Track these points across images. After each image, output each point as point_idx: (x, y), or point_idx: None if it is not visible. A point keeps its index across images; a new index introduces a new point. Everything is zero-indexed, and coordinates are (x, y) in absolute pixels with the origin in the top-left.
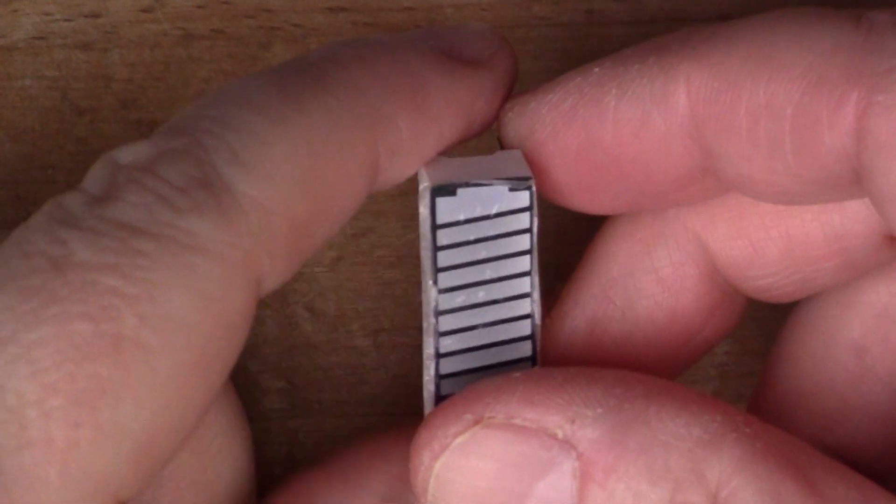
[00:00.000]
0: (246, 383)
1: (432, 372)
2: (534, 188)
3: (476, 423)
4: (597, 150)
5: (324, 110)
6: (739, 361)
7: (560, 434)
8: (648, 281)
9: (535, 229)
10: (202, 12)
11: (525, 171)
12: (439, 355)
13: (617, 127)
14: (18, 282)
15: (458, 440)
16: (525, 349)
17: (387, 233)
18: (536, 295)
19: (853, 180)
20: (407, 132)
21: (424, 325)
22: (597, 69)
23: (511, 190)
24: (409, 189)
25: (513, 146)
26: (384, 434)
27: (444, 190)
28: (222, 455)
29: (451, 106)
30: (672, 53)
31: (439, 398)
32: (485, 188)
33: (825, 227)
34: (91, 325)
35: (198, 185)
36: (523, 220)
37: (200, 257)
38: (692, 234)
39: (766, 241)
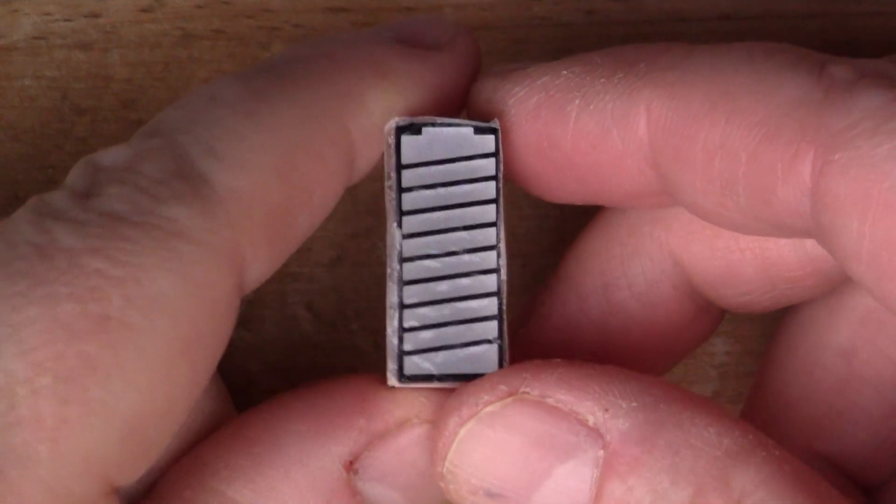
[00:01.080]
0: (246, 383)
1: (395, 323)
2: (499, 133)
3: (510, 395)
4: (556, 152)
5: (291, 103)
6: (739, 361)
7: (591, 420)
8: (623, 296)
9: (500, 176)
10: (202, 12)
11: (492, 123)
12: (403, 305)
13: (576, 137)
14: (4, 267)
15: (488, 409)
16: (491, 307)
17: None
18: (502, 247)
19: (807, 231)
20: (377, 111)
21: (388, 270)
22: (565, 72)
23: (476, 132)
24: None
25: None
26: (365, 383)
27: (410, 128)
28: (194, 411)
29: (416, 85)
30: (638, 75)
31: (402, 353)
32: (450, 129)
33: (798, 251)
34: (78, 305)
35: (176, 177)
36: (489, 167)
37: (183, 243)
38: (667, 252)
39: (741, 261)
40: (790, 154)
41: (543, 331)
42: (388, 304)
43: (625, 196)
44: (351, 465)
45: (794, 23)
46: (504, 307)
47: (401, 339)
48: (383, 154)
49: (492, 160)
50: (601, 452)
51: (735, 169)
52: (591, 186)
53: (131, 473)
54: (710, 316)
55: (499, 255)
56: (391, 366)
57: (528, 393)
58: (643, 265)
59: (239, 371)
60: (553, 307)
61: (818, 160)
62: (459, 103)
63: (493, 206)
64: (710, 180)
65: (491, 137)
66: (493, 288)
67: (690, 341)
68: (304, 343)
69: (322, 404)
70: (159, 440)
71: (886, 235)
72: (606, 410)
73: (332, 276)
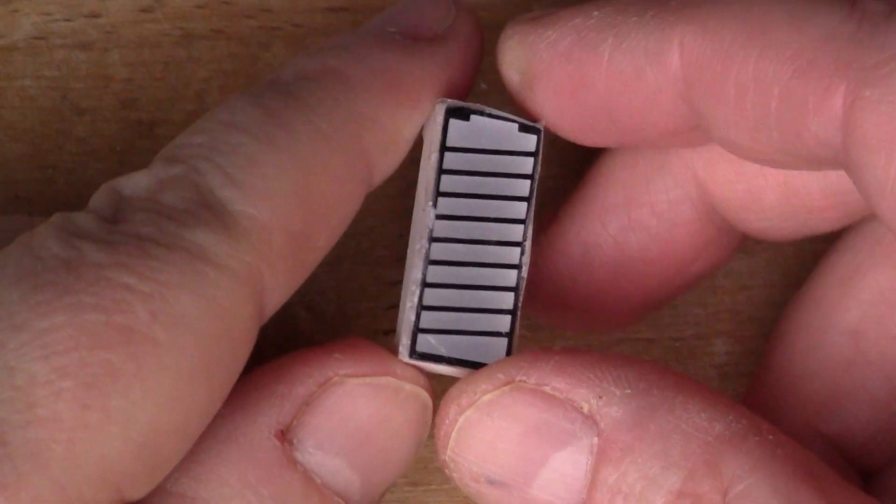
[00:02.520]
0: None
1: (416, 299)
2: (542, 134)
3: (507, 383)
4: (589, 93)
5: (307, 125)
6: (739, 361)
7: (585, 408)
8: (644, 213)
9: (536, 177)
10: (202, 12)
11: (537, 124)
12: (426, 283)
13: (610, 76)
14: (31, 278)
15: (486, 397)
16: (507, 301)
17: (387, 233)
18: (527, 246)
19: (837, 163)
20: (391, 127)
21: (415, 247)
22: (596, 13)
23: (521, 130)
24: (409, 189)
25: (509, 74)
26: (289, 356)
27: (459, 112)
28: None
29: (425, 87)
30: (670, 12)
31: (417, 329)
32: (496, 121)
33: (822, 182)
34: (104, 315)
35: (199, 206)
36: (527, 165)
37: (208, 266)
38: (691, 173)
39: (764, 187)
40: (822, 88)
41: (563, 239)
42: (408, 280)
43: (659, 134)
44: (284, 436)
45: None
46: (520, 303)
47: (418, 316)
48: (422, 130)
49: (530, 159)
50: (595, 440)
51: (767, 103)
52: (625, 126)
53: (142, 488)
54: (729, 239)
55: (522, 253)
56: (404, 340)
57: (524, 381)
58: (666, 184)
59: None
60: (574, 217)
61: (849, 95)
62: (470, 85)
63: (524, 204)
64: (742, 114)
65: (533, 137)
66: (513, 283)
67: (708, 263)
68: (304, 343)
69: (243, 386)
70: (172, 457)
71: None
72: (600, 398)
73: (332, 276)
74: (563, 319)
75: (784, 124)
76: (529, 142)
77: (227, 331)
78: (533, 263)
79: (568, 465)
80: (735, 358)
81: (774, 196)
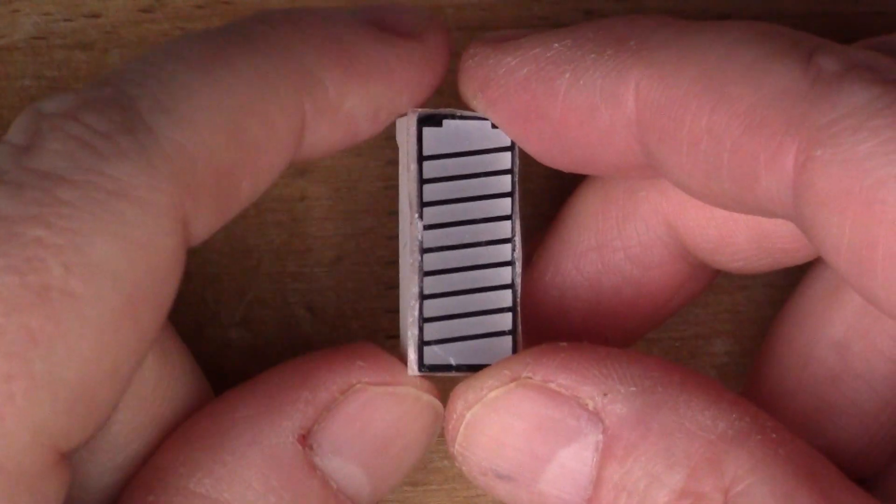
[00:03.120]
0: None
1: (416, 313)
2: None
3: (513, 380)
4: (544, 124)
5: (249, 63)
6: (739, 361)
7: (591, 405)
8: (617, 258)
9: (516, 170)
10: (202, 12)
11: None
12: (423, 296)
13: (565, 110)
14: None
15: (492, 394)
16: (506, 299)
17: (387, 233)
18: (518, 240)
19: (789, 217)
20: (333, 91)
21: (409, 261)
22: (556, 44)
23: (494, 126)
24: None
25: (467, 95)
26: (313, 358)
27: (431, 119)
28: (173, 407)
29: (379, 70)
30: (628, 52)
31: (423, 343)
32: (469, 122)
33: (791, 225)
34: (17, 277)
35: (121, 131)
36: (505, 160)
37: (125, 203)
38: (662, 217)
39: (735, 231)
40: (774, 146)
41: (539, 285)
42: (405, 295)
43: (612, 169)
44: (305, 441)
45: (794, 23)
46: (518, 299)
47: (421, 329)
48: (399, 145)
49: (508, 154)
50: (601, 437)
51: (720, 155)
52: (579, 158)
53: (80, 438)
54: (704, 275)
55: (513, 248)
56: (411, 356)
57: (530, 378)
58: (638, 228)
59: (239, 371)
60: (549, 263)
61: (801, 154)
62: (426, 93)
63: (508, 200)
64: (695, 163)
65: None
66: (508, 280)
67: (685, 297)
68: (304, 343)
69: (266, 387)
70: (107, 403)
71: (866, 233)
72: (605, 395)
73: (332, 276)
74: None
75: (736, 177)
76: (504, 137)
77: (150, 268)
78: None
79: (574, 461)
80: (735, 358)
81: (745, 239)
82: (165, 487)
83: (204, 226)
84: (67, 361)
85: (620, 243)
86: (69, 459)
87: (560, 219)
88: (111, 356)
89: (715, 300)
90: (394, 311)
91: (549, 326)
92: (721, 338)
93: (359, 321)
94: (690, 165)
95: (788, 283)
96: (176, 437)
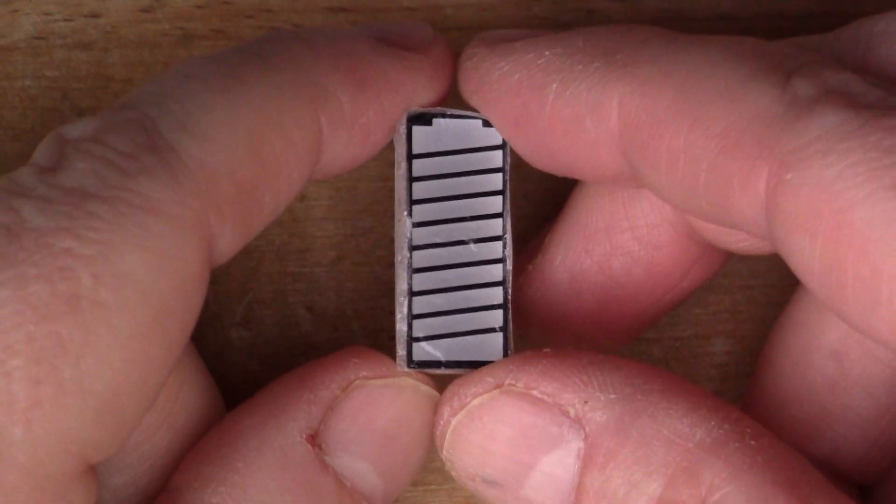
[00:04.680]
0: (246, 383)
1: (405, 310)
2: None
3: (496, 387)
4: (533, 129)
5: (264, 80)
6: (739, 361)
7: (572, 412)
8: (625, 238)
9: (507, 168)
10: (202, 12)
11: None
12: (412, 293)
13: (552, 118)
14: None
15: (476, 401)
16: (496, 296)
17: (387, 233)
18: (508, 238)
19: (764, 237)
20: (348, 105)
21: (397, 258)
22: (548, 52)
23: (485, 125)
24: None
25: (465, 94)
26: (309, 364)
27: (420, 118)
28: (192, 428)
29: (389, 83)
30: (615, 66)
31: (411, 339)
32: (460, 120)
33: None
34: (48, 285)
35: (145, 150)
36: (496, 159)
37: (152, 217)
38: None
39: None
40: (746, 168)
41: (549, 267)
42: (397, 291)
43: (598, 177)
44: (314, 441)
45: (794, 23)
46: (509, 296)
47: (410, 326)
48: (393, 143)
49: (499, 152)
50: (582, 444)
51: (697, 174)
52: (566, 164)
53: (107, 450)
54: (714, 256)
55: (504, 246)
56: (400, 352)
57: (514, 385)
58: (644, 209)
59: (239, 371)
60: (559, 246)
61: (772, 178)
62: (432, 105)
63: (499, 198)
64: (673, 180)
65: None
66: (499, 277)
67: (698, 278)
68: (304, 343)
69: (267, 397)
70: (134, 415)
71: (836, 256)
72: (586, 402)
73: (332, 276)
74: (559, 342)
75: (712, 197)
76: (495, 135)
77: (177, 281)
78: (522, 292)
79: (557, 468)
80: (735, 358)
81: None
82: None
83: (228, 244)
84: (96, 370)
85: (628, 224)
86: (95, 471)
87: (569, 203)
88: (139, 368)
89: (715, 300)
90: (393, 311)
91: (563, 310)
92: (721, 338)
93: (359, 321)
94: (669, 182)
95: (788, 283)
96: (186, 458)
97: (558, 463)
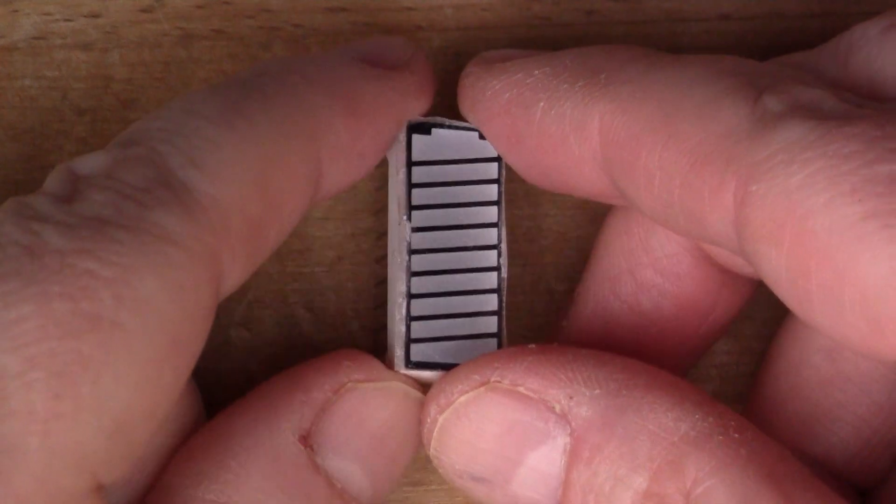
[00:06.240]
0: (246, 383)
1: (403, 311)
2: None
3: (482, 384)
4: (524, 146)
5: (267, 117)
6: (739, 361)
7: (557, 408)
8: (648, 273)
9: (502, 180)
10: (202, 12)
11: None
12: (410, 295)
13: (540, 137)
14: None
15: (463, 398)
16: (491, 302)
17: (387, 233)
18: (503, 247)
19: (737, 252)
20: (345, 135)
21: (396, 261)
22: (537, 71)
23: (481, 137)
24: None
25: (463, 111)
26: (302, 366)
27: (420, 127)
28: (173, 422)
29: (382, 107)
30: (598, 85)
31: (409, 341)
32: (457, 131)
33: None
34: (70, 303)
35: (158, 185)
36: (491, 170)
37: (171, 248)
38: None
39: None
40: (715, 182)
41: (583, 320)
42: (394, 293)
43: (587, 194)
44: (306, 441)
45: (794, 23)
46: (504, 303)
47: (408, 327)
48: (391, 151)
49: (494, 164)
50: (568, 439)
51: (671, 190)
52: (557, 181)
53: (116, 472)
54: (740, 282)
55: (499, 255)
56: (398, 352)
57: (500, 382)
58: (660, 240)
59: (239, 371)
60: (588, 296)
61: (739, 190)
62: (420, 115)
63: (494, 208)
64: (652, 197)
65: None
66: (494, 285)
67: (730, 305)
68: (304, 343)
69: (259, 397)
70: (142, 439)
71: (800, 264)
72: (571, 398)
73: (332, 276)
74: None
75: (687, 212)
76: (491, 148)
77: (190, 311)
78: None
79: (543, 463)
80: (735, 358)
81: None
82: (174, 501)
83: (235, 278)
84: (113, 389)
85: (648, 259)
86: (105, 493)
87: (593, 251)
88: (151, 392)
89: None
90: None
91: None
92: (721, 338)
93: (359, 321)
94: (648, 198)
95: None
96: (179, 455)
97: (545, 458)
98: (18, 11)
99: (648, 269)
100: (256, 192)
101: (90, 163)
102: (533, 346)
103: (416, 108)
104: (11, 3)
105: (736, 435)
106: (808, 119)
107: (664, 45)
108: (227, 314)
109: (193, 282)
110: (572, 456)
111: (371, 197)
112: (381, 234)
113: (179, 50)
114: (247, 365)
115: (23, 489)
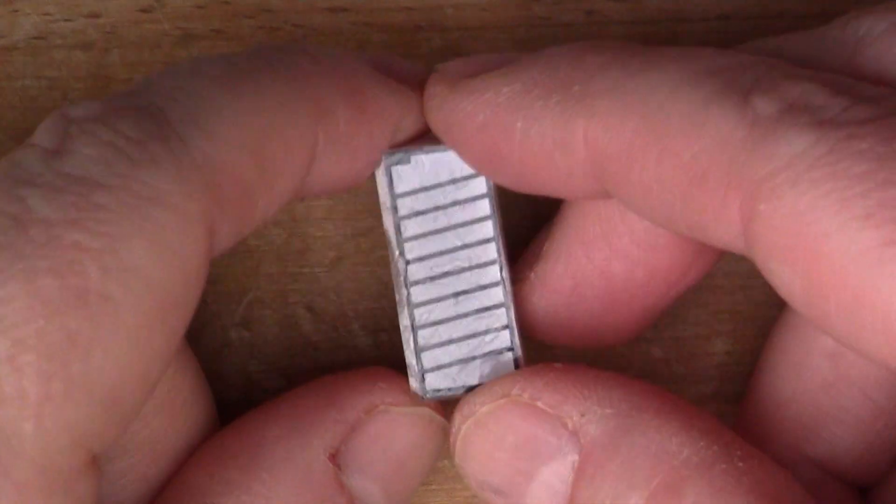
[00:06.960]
0: (246, 383)
1: (412, 345)
2: None
3: (503, 397)
4: (506, 164)
5: (273, 88)
6: (739, 361)
7: (570, 424)
8: (624, 242)
9: (492, 194)
10: (202, 12)
11: None
12: (416, 327)
13: (523, 156)
14: None
15: (484, 409)
16: (501, 318)
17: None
18: (504, 260)
19: (747, 255)
20: (343, 125)
21: (397, 297)
22: (505, 89)
23: None
24: None
25: (435, 131)
26: (335, 380)
27: (399, 158)
28: (185, 414)
29: (382, 112)
30: (573, 100)
31: (423, 372)
32: (437, 154)
33: None
34: (57, 279)
35: (153, 138)
36: (479, 186)
37: (158, 209)
38: None
39: None
40: (718, 200)
41: (551, 275)
42: (401, 327)
43: (581, 198)
44: (335, 459)
45: (794, 23)
46: (513, 316)
47: (419, 359)
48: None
49: (482, 178)
50: (577, 456)
51: (672, 203)
52: (546, 191)
53: (109, 441)
54: (712, 250)
55: (501, 268)
56: (414, 385)
57: (520, 395)
58: None
59: (239, 371)
60: (559, 253)
61: (745, 208)
62: (421, 132)
63: (489, 223)
64: (651, 207)
65: None
66: (501, 300)
67: (700, 271)
68: (304, 343)
69: (293, 408)
70: (135, 405)
71: (817, 286)
72: (583, 415)
73: (332, 276)
74: (566, 343)
75: (690, 223)
76: None
77: (180, 274)
78: (526, 300)
79: (554, 478)
80: (735, 358)
81: None
82: None
83: (225, 239)
84: (103, 364)
85: (625, 228)
86: (99, 462)
87: (564, 210)
88: (142, 359)
89: (715, 300)
90: (394, 308)
91: (567, 315)
92: (721, 338)
93: (359, 321)
94: (647, 207)
95: None
96: (204, 456)
97: (556, 474)
98: (18, 11)
99: (625, 238)
100: (251, 159)
101: (84, 107)
102: (558, 364)
103: (409, 126)
104: (11, 3)
105: (741, 464)
106: (808, 128)
107: (664, 45)
108: (227, 314)
109: (182, 243)
110: (578, 473)
111: (371, 197)
112: (382, 235)
113: (179, 50)
114: (247, 365)
115: (22, 478)
